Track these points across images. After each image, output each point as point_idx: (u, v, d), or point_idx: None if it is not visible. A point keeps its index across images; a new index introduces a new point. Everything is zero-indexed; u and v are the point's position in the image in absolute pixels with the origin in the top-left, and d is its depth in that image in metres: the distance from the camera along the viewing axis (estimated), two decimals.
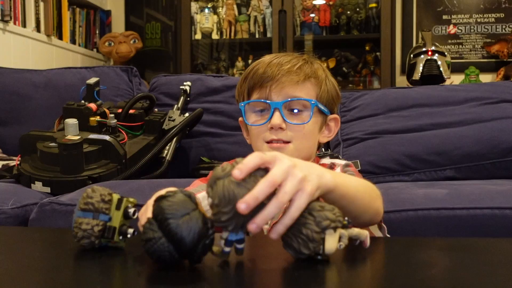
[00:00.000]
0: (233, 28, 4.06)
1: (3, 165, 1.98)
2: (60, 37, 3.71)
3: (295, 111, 1.15)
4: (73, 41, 3.89)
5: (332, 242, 0.69)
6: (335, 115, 1.22)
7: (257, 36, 4.04)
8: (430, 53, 3.49)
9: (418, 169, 1.87)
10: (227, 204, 0.65)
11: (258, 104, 1.17)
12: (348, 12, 3.93)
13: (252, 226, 0.67)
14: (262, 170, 0.68)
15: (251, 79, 1.18)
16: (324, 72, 1.20)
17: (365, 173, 1.87)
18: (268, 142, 1.15)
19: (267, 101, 1.14)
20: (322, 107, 1.17)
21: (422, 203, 1.38)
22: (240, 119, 1.28)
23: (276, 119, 1.12)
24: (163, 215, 0.66)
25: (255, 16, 4.02)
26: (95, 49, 4.18)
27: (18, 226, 1.46)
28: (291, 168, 0.69)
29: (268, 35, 3.96)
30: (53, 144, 1.75)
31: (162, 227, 0.66)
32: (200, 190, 1.20)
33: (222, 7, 4.09)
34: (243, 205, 0.64)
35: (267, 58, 1.20)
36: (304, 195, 0.69)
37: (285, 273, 0.70)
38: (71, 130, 1.77)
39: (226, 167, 0.68)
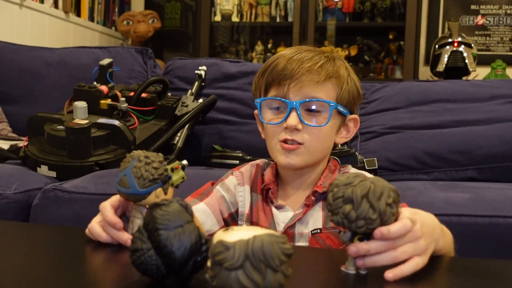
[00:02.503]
0: (253, 11, 3.97)
1: (11, 145, 1.94)
2: (78, 14, 3.65)
3: (313, 112, 1.09)
4: (91, 18, 3.83)
5: None
6: (355, 116, 1.16)
7: (278, 20, 3.95)
8: (456, 44, 3.37)
9: (439, 168, 1.79)
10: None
11: (274, 101, 1.11)
12: None
13: (360, 262, 0.72)
14: None
15: (270, 75, 1.12)
16: (346, 71, 1.14)
17: (383, 169, 1.80)
18: (281, 142, 1.10)
19: (284, 100, 1.09)
20: (341, 109, 1.11)
21: (442, 208, 1.30)
22: (255, 111, 1.22)
23: (293, 119, 1.07)
24: (154, 225, 0.60)
25: (277, 0, 3.92)
26: (113, 28, 4.12)
27: (20, 222, 1.41)
28: (418, 235, 0.75)
29: (289, 19, 3.87)
30: (61, 127, 1.70)
31: (152, 238, 0.60)
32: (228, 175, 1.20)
33: None
34: (354, 250, 0.71)
35: (288, 52, 1.14)
36: (421, 262, 0.74)
37: None
38: (80, 113, 1.72)
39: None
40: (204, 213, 1.12)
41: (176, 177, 0.83)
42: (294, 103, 1.07)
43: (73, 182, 1.51)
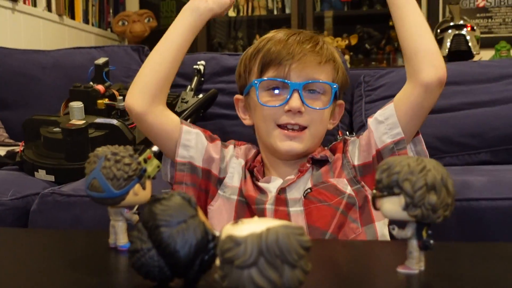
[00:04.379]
0: (250, 4, 3.90)
1: (7, 151, 1.88)
2: (72, 16, 3.59)
3: (314, 94, 1.05)
4: (86, 20, 3.77)
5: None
6: (341, 101, 1.14)
7: (275, 12, 3.89)
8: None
9: (450, 152, 1.73)
10: None
11: (273, 82, 1.05)
12: None
13: None
14: None
15: (267, 55, 1.07)
16: (339, 56, 1.12)
17: None
18: (280, 126, 1.05)
19: (286, 81, 1.03)
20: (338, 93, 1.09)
21: (460, 193, 1.23)
22: (237, 96, 1.18)
23: (296, 101, 1.02)
24: (155, 221, 0.54)
25: None
26: (109, 29, 4.06)
27: (17, 228, 1.35)
28: None
29: (287, 11, 3.81)
30: (57, 129, 1.64)
31: (153, 236, 0.54)
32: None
33: None
34: None
35: (280, 34, 1.10)
36: None
37: None
38: (76, 114, 1.66)
39: None
40: (200, 141, 1.08)
41: (151, 167, 0.74)
42: (297, 84, 1.02)
43: (72, 185, 1.45)
